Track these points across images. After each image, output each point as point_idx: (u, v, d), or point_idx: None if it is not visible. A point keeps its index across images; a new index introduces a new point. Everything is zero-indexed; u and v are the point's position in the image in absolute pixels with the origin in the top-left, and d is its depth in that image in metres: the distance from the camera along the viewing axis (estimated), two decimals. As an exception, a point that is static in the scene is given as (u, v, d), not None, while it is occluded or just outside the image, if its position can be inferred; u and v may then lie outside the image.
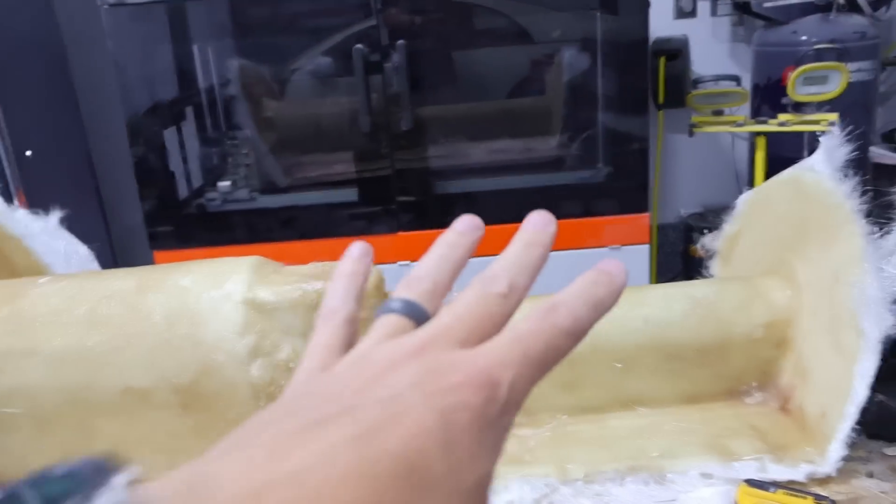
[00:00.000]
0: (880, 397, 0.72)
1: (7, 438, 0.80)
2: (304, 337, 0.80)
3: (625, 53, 1.94)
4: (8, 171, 2.24)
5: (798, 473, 0.70)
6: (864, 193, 0.72)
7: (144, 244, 2.21)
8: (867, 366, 0.68)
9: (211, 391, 0.79)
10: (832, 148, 0.75)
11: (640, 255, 2.04)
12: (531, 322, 0.28)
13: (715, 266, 1.03)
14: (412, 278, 0.32)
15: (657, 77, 2.46)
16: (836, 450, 0.69)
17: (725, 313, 0.82)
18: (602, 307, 0.29)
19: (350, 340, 0.32)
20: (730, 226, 1.00)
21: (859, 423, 0.69)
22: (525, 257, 0.31)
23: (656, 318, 0.84)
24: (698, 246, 1.10)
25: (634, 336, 0.84)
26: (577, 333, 0.28)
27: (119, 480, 0.21)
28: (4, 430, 0.79)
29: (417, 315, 0.30)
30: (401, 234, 2.01)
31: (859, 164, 0.79)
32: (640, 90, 1.98)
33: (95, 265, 1.28)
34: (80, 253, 1.23)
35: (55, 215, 1.18)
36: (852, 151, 0.75)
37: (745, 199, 0.95)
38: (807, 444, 0.73)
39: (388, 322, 0.30)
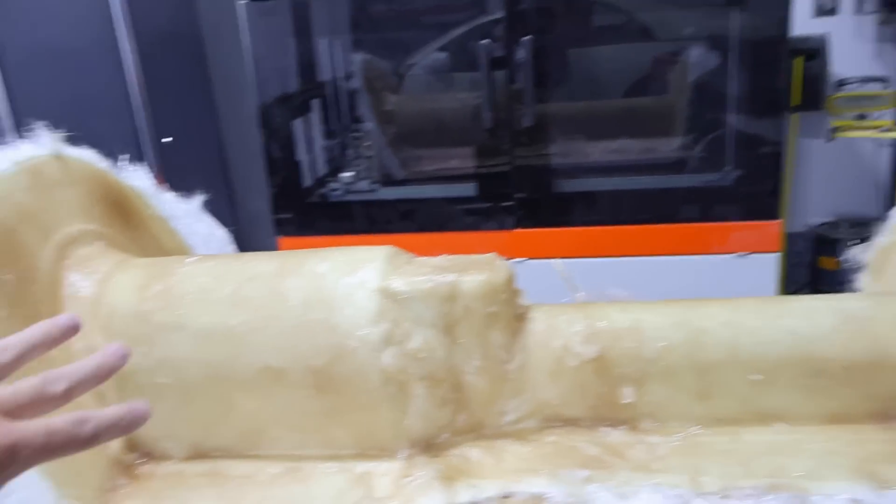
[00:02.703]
0: None
1: (155, 406, 0.84)
2: (435, 328, 0.80)
3: (761, 52, 1.85)
4: (148, 156, 2.38)
5: (963, 508, 0.64)
6: None
7: (268, 230, 2.30)
8: None
9: (343, 375, 0.80)
10: None
11: (767, 264, 1.95)
12: (62, 423, 0.35)
13: (863, 279, 0.97)
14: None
15: (791, 78, 2.34)
16: None
17: (881, 330, 0.76)
18: (127, 432, 0.38)
19: None
20: (883, 237, 0.93)
21: None
22: (91, 376, 0.38)
23: (802, 331, 0.80)
24: (842, 258, 1.03)
25: (776, 348, 0.80)
26: (92, 445, 0.36)
27: None
28: (153, 398, 0.84)
29: None
30: (517, 230, 2.00)
31: None
32: (776, 91, 1.88)
33: (231, 248, 1.35)
34: (218, 236, 1.29)
35: (197, 199, 1.25)
36: None
37: (903, 210, 0.89)
38: (974, 478, 0.67)
39: None
